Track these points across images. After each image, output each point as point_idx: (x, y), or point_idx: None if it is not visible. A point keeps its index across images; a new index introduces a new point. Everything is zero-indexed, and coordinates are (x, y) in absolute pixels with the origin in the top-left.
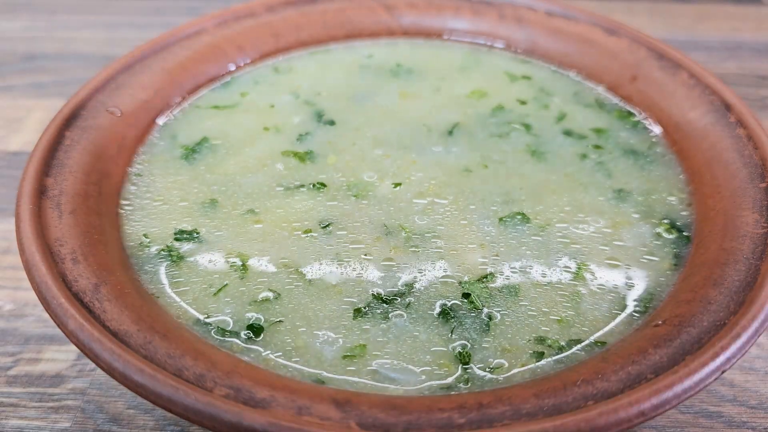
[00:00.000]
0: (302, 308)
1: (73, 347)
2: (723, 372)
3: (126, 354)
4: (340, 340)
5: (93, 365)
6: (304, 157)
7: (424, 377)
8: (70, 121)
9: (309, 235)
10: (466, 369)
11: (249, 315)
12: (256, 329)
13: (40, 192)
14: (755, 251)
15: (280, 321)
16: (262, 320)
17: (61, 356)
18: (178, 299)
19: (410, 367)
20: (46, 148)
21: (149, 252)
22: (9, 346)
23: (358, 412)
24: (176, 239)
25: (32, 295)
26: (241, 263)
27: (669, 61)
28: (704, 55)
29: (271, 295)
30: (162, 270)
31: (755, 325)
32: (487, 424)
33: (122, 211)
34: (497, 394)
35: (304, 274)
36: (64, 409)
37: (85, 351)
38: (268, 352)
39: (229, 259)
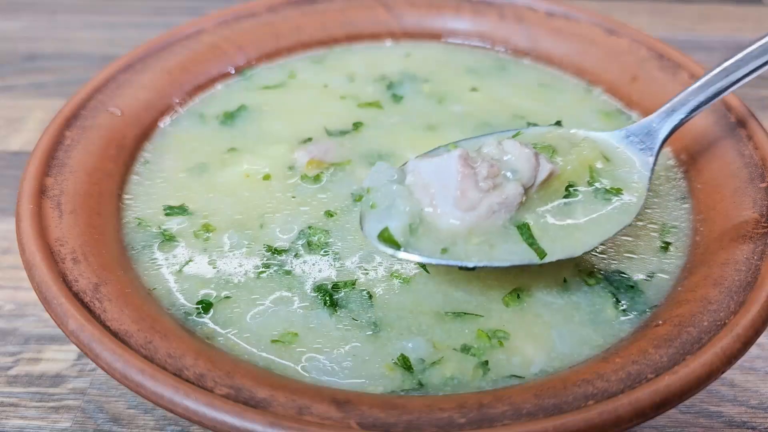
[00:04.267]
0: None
1: (74, 347)
2: (723, 372)
3: (126, 354)
4: (285, 320)
5: (93, 365)
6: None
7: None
8: (70, 120)
9: None
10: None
11: (204, 291)
12: (205, 305)
13: (41, 192)
14: (755, 251)
15: (228, 297)
16: (213, 296)
17: (62, 356)
18: (156, 273)
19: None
20: (46, 147)
21: (145, 233)
22: (9, 346)
23: (359, 412)
24: (166, 214)
25: (32, 295)
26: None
27: (669, 62)
28: (704, 55)
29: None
30: (153, 247)
31: (755, 325)
32: (487, 423)
33: (122, 205)
34: (497, 394)
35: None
36: (65, 409)
37: (86, 351)
38: (218, 327)
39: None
